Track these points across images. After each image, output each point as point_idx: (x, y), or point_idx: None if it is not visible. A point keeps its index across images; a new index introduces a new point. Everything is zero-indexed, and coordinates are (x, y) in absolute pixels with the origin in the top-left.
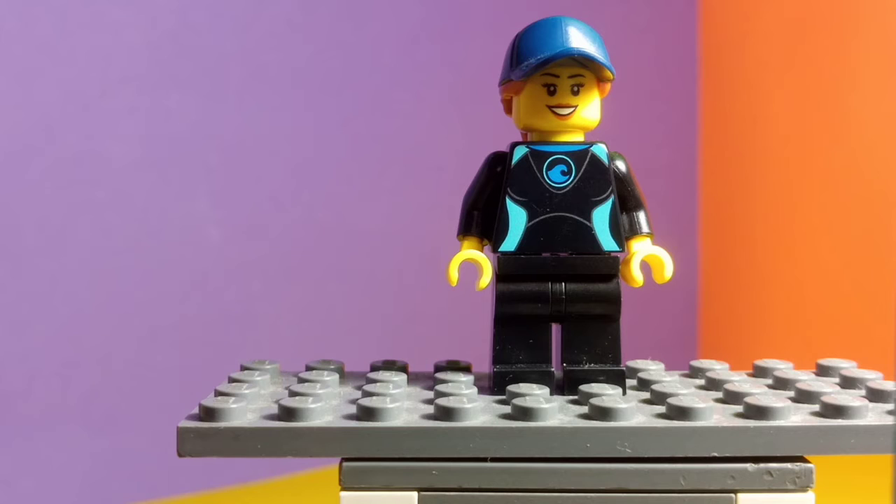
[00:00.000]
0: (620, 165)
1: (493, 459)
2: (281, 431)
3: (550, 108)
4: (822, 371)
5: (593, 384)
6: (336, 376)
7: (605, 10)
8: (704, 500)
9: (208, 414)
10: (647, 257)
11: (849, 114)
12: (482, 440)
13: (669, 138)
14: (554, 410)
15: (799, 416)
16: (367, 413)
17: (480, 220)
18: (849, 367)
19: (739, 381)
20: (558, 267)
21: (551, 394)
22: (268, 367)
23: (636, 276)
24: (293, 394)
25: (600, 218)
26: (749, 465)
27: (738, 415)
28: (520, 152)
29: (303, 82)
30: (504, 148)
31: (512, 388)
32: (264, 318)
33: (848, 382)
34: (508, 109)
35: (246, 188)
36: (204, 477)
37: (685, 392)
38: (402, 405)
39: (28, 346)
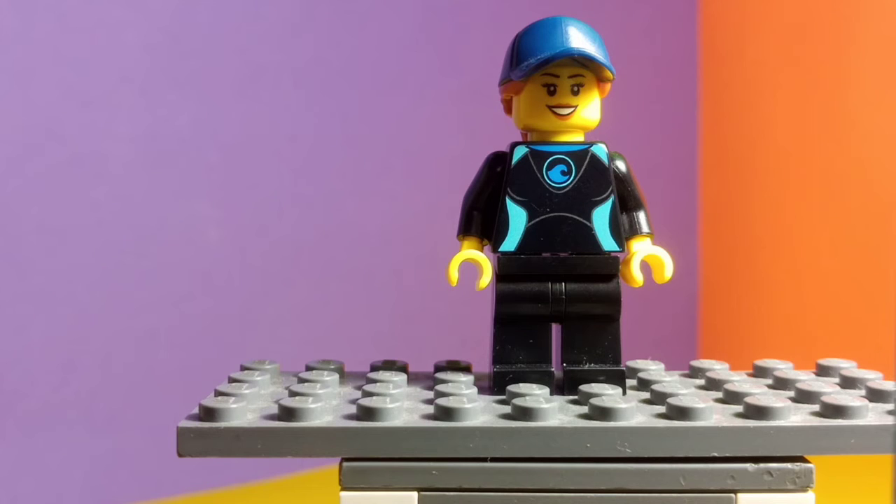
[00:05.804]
0: (620, 165)
1: (493, 459)
2: (281, 431)
3: (550, 108)
4: (822, 371)
5: (593, 384)
6: (336, 376)
7: (605, 10)
8: (704, 500)
9: (208, 414)
10: (647, 257)
11: (848, 114)
12: (482, 440)
13: (669, 138)
14: (554, 410)
15: (799, 416)
16: (367, 413)
17: (480, 221)
18: (849, 367)
19: (739, 381)
20: (558, 267)
21: (551, 394)
22: (268, 367)
23: (636, 276)
24: (293, 394)
25: (600, 218)
26: (749, 465)
27: (738, 415)
28: (520, 152)
29: (303, 82)
30: (504, 148)
31: (512, 388)
32: (264, 318)
33: (848, 382)
34: (508, 109)
35: (246, 188)
36: (204, 477)
37: (685, 392)
38: (402, 405)
39: (28, 346)
